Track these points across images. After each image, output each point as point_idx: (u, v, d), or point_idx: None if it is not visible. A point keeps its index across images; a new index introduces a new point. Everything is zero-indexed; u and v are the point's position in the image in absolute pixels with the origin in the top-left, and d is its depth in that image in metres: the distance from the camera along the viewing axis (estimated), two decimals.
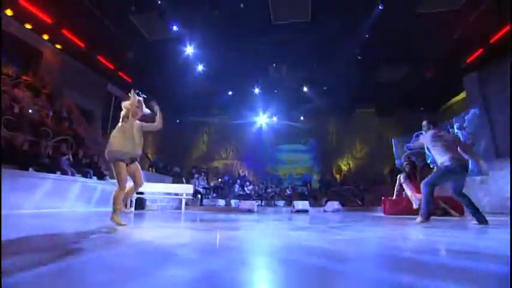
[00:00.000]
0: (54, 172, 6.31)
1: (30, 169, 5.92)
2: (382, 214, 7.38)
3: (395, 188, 6.91)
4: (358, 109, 15.01)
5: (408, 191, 6.66)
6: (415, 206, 6.37)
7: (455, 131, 11.27)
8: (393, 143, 13.97)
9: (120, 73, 11.35)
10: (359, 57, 10.26)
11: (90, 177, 7.25)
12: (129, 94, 3.67)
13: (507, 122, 9.42)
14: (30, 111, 7.73)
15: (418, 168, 10.45)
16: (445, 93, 12.78)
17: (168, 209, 9.89)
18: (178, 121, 16.23)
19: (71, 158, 7.23)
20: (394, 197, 6.93)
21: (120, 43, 9.57)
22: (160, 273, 1.26)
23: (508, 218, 5.44)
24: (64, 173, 6.54)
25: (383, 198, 7.77)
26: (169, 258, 1.61)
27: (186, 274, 1.27)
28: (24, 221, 3.84)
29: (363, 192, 12.61)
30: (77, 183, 6.77)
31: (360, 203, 12.09)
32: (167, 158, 13.65)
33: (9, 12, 8.01)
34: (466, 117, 10.66)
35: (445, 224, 4.05)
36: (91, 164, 7.80)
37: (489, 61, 9.72)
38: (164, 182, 10.35)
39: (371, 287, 1.15)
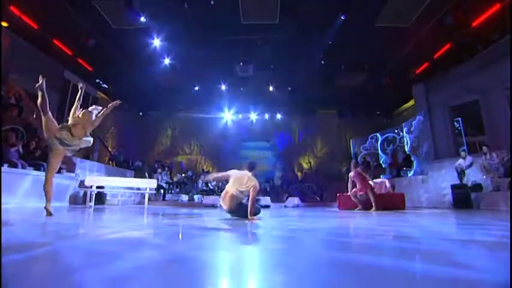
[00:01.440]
0: (1, 164, 5.89)
1: None
2: (337, 209, 7.97)
3: (349, 185, 7.46)
4: (321, 110, 15.72)
5: (352, 190, 7.31)
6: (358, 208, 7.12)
7: (404, 134, 12.43)
8: (351, 143, 15.00)
9: (79, 60, 10.68)
10: (322, 62, 10.80)
11: (44, 170, 6.84)
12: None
13: (446, 129, 10.65)
14: None
15: (371, 167, 11.37)
16: (397, 100, 13.96)
17: (129, 203, 9.76)
18: (141, 114, 15.73)
19: (21, 150, 6.76)
20: (349, 192, 7.46)
21: (80, 28, 9.00)
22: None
23: (435, 211, 6.27)
24: (13, 165, 6.13)
25: (338, 194, 8.38)
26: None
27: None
28: None
29: (322, 189, 13.32)
30: (28, 177, 6.39)
31: (318, 199, 12.77)
32: (129, 152, 13.21)
33: None
34: (413, 123, 11.81)
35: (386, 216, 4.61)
36: (44, 156, 7.35)
37: (433, 74, 10.87)
38: (126, 177, 10.16)
39: (309, 261, 1.43)
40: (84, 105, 4.55)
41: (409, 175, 11.19)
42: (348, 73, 11.24)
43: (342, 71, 11.23)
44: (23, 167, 6.28)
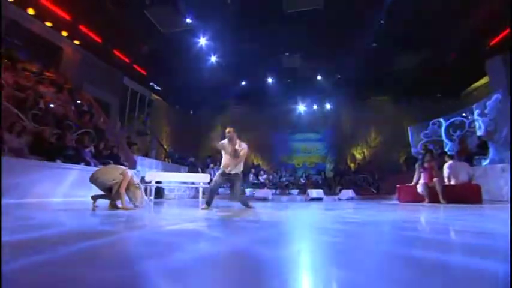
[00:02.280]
0: (78, 163, 6.68)
1: (58, 161, 6.31)
2: (397, 202, 7.48)
3: (415, 176, 6.89)
4: (373, 97, 14.80)
5: (421, 179, 6.72)
6: (419, 190, 6.48)
7: (476, 117, 10.99)
8: (409, 130, 13.77)
9: (135, 66, 11.63)
10: (374, 44, 10.06)
11: None
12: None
13: None
14: (52, 105, 8.13)
15: (435, 157, 10.28)
16: (464, 78, 12.38)
17: (184, 197, 10.33)
18: (192, 112, 16.55)
19: (93, 150, 7.59)
20: (412, 183, 6.91)
21: (134, 37, 9.81)
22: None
23: None
24: (87, 164, 6.90)
25: (398, 186, 7.84)
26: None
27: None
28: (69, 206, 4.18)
29: (378, 180, 12.59)
30: None
31: (374, 191, 12.13)
32: (182, 149, 13.99)
33: (31, 11, 8.35)
34: (487, 104, 10.35)
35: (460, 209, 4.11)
36: (111, 155, 8.16)
37: None
38: (180, 172, 10.68)
39: (379, 258, 1.30)
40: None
41: (484, 164, 9.85)
42: (404, 54, 10.33)
43: (396, 52, 10.35)
44: (95, 165, 7.05)
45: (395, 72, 11.50)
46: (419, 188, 6.66)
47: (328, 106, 15.50)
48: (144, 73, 12.05)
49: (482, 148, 10.23)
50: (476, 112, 10.95)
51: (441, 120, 12.49)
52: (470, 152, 10.69)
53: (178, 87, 13.09)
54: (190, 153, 14.30)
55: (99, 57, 10.67)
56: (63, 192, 6.13)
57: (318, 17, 8.68)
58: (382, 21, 8.89)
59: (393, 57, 10.72)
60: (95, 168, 7.05)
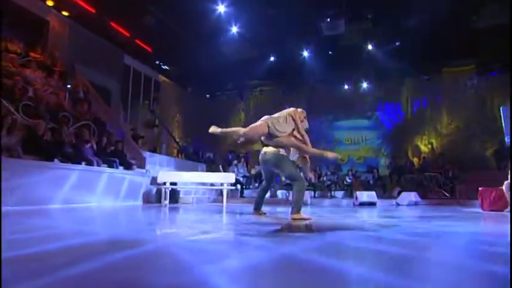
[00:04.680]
0: (79, 162, 7.17)
1: (56, 160, 6.83)
2: (479, 210, 7.41)
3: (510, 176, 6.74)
4: (447, 68, 14.14)
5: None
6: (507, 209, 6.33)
7: None
8: (502, 112, 12.98)
9: (137, 41, 12.04)
10: None
11: (117, 167, 8.09)
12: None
13: None
14: (43, 93, 8.68)
15: None
16: None
17: (204, 201, 10.67)
18: (208, 96, 16.86)
19: (95, 146, 8.10)
20: (504, 187, 6.81)
21: (136, 4, 10.05)
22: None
23: None
24: (89, 163, 7.39)
25: (480, 189, 7.67)
26: None
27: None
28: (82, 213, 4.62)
29: (453, 180, 12.22)
30: (104, 175, 7.64)
31: (447, 195, 11.80)
32: (198, 142, 14.35)
33: None
34: None
35: None
36: (116, 152, 8.66)
37: None
38: (197, 171, 11.14)
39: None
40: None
41: None
42: (493, 6, 9.81)
43: (484, 3, 9.89)
44: (98, 165, 7.56)
45: (480, 31, 10.89)
46: (505, 188, 6.49)
47: (382, 83, 15.12)
48: (149, 50, 12.42)
49: None
50: None
51: None
52: None
53: (191, 66, 13.32)
54: (207, 147, 14.63)
55: (93, 32, 11.03)
56: (63, 198, 6.59)
57: None
58: None
59: (476, 11, 10.20)
60: (98, 168, 7.59)
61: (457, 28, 11.08)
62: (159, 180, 8.65)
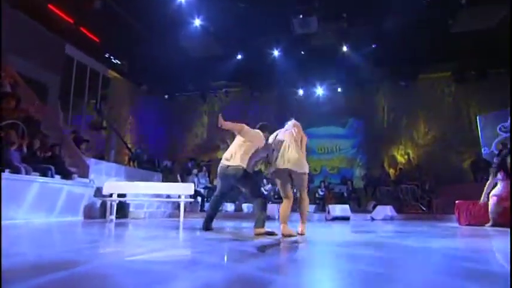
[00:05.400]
0: (2, 170, 6.42)
1: None
2: (456, 224, 7.63)
3: (486, 188, 6.98)
4: (423, 74, 14.57)
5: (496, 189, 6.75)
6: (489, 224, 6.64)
7: None
8: (479, 121, 13.44)
9: (82, 29, 11.35)
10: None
11: (52, 176, 7.40)
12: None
13: None
14: None
15: None
16: None
17: (158, 216, 10.26)
18: (166, 97, 16.43)
19: (25, 150, 7.39)
20: (481, 201, 7.05)
21: None
22: None
23: None
24: (16, 170, 6.68)
25: (457, 202, 7.82)
26: None
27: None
28: None
29: (430, 193, 12.48)
30: (34, 185, 6.92)
31: (424, 208, 12.09)
32: (154, 149, 13.90)
33: None
34: None
35: None
36: (52, 158, 7.96)
37: None
38: (152, 181, 10.70)
39: None
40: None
41: None
42: (472, 11, 10.13)
43: (460, 8, 10.16)
44: (27, 172, 6.84)
45: (459, 36, 11.20)
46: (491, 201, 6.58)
47: (358, 88, 15.29)
48: (96, 40, 11.75)
49: None
50: None
51: None
52: None
53: (147, 61, 12.89)
54: (164, 154, 14.24)
55: (28, 15, 10.21)
56: None
57: None
58: None
59: (454, 15, 10.45)
60: (27, 177, 6.88)
61: (434, 33, 11.45)
62: (104, 192, 8.08)
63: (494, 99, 13.25)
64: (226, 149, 4.91)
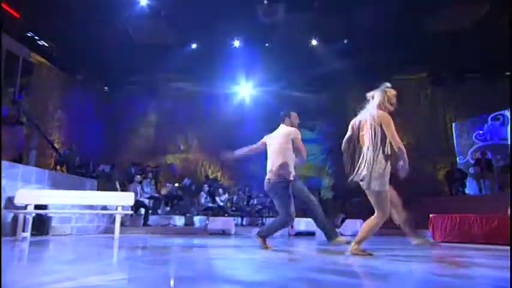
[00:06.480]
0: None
1: None
2: (431, 240, 7.76)
3: None
4: (397, 75, 14.93)
5: None
6: None
7: None
8: (454, 129, 13.93)
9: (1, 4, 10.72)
10: None
11: None
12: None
13: None
14: None
15: (495, 170, 10.31)
16: None
17: (90, 232, 9.91)
18: (106, 89, 16.06)
19: None
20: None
21: None
22: None
23: None
24: None
25: (431, 216, 8.07)
26: None
27: None
28: None
29: (404, 206, 12.70)
30: None
31: (397, 223, 12.18)
32: (88, 151, 13.46)
33: None
34: None
35: None
36: None
37: None
38: (84, 189, 10.24)
39: None
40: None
41: None
42: (449, 9, 10.64)
43: (438, 4, 10.59)
44: None
45: (435, 36, 11.66)
46: None
47: (328, 88, 15.55)
48: (16, 15, 11.10)
49: None
50: None
51: (506, 113, 12.69)
52: None
53: (82, 45, 12.38)
54: (101, 157, 13.78)
55: None
56: None
57: None
58: None
59: (432, 12, 10.85)
60: None
61: (409, 31, 11.87)
62: (16, 202, 7.44)
63: (471, 105, 13.86)
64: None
